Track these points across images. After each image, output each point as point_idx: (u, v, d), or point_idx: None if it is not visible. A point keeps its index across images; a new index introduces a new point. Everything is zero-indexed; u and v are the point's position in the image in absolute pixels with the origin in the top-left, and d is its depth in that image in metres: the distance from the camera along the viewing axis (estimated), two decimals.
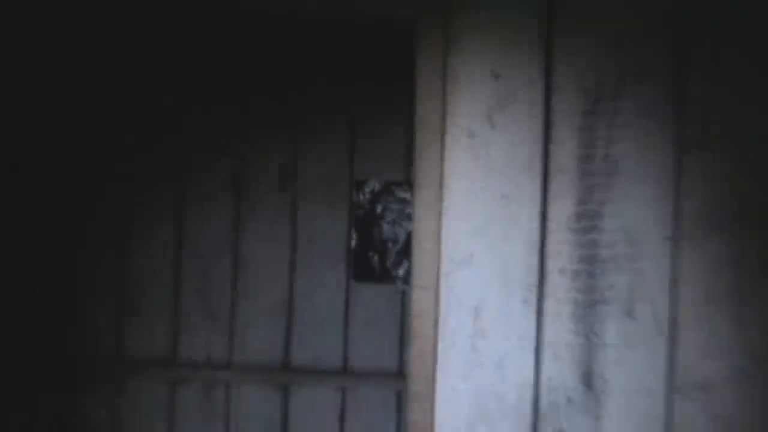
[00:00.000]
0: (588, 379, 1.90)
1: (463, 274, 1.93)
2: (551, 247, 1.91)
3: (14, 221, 3.60)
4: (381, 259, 3.83)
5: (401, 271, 3.82)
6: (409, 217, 3.75)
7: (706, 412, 1.86)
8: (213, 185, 3.81)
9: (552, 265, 1.91)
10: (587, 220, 1.89)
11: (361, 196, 3.79)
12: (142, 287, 3.81)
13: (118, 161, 3.79)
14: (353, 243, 3.83)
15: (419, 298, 1.96)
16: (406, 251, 3.78)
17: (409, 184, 3.67)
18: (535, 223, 1.91)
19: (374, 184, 3.78)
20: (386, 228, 3.81)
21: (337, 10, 1.83)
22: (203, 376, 3.80)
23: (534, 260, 1.92)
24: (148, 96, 3.79)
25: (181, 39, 3.30)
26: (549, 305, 1.91)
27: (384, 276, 3.83)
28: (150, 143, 3.80)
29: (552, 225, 1.92)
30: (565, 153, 1.90)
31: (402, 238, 3.80)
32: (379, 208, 3.79)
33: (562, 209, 1.91)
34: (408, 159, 3.68)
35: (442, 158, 1.95)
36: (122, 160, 3.79)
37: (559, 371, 1.91)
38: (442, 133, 1.93)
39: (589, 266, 1.90)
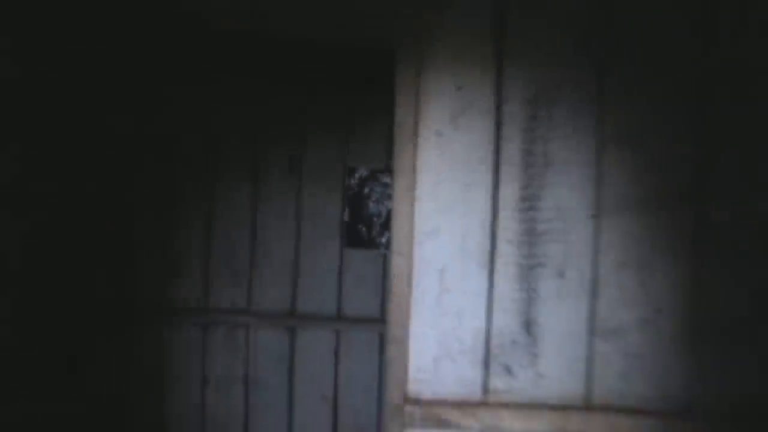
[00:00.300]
0: (528, 325, 2.12)
1: (432, 243, 2.13)
2: (500, 223, 2.11)
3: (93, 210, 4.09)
4: (368, 230, 4.11)
5: (383, 240, 4.10)
6: (389, 198, 4.00)
7: (618, 350, 2.10)
8: (236, 173, 4.19)
9: (501, 236, 2.11)
10: (528, 201, 2.10)
11: (352, 181, 4.08)
12: (182, 252, 4.21)
13: (162, 155, 4.21)
14: (346, 217, 4.12)
15: (397, 262, 2.16)
16: (387, 224, 4.05)
17: (389, 171, 3.96)
18: (488, 204, 2.11)
19: (362, 171, 4.07)
20: (372, 206, 4.09)
21: (334, 37, 2.13)
22: (228, 320, 4.20)
23: (487, 233, 2.11)
24: (178, 98, 4.21)
25: (209, 52, 3.64)
26: (498, 268, 2.12)
27: (370, 243, 4.13)
28: (184, 138, 4.20)
29: (501, 205, 2.11)
30: (512, 149, 2.10)
31: (384, 213, 4.08)
32: (366, 190, 4.07)
33: (509, 193, 2.10)
34: (389, 152, 3.98)
35: (415, 153, 2.13)
36: (165, 153, 4.21)
37: (506, 319, 2.12)
38: (416, 133, 2.13)
39: (530, 237, 2.11)
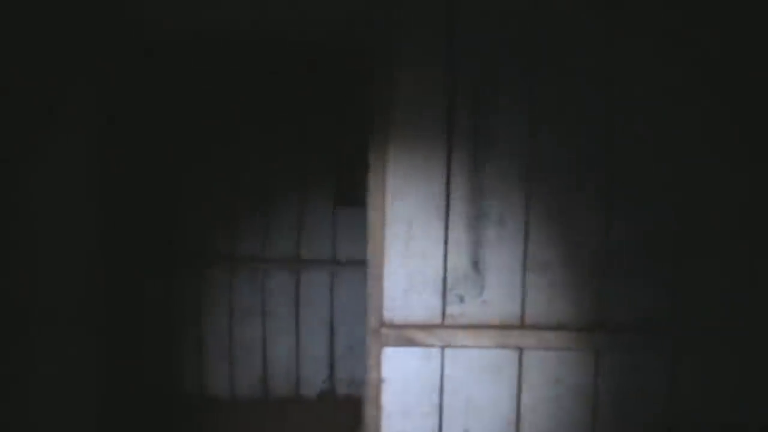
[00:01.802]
0: (476, 264, 2.41)
1: (401, 203, 2.38)
2: (453, 185, 2.39)
3: None
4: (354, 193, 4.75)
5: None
6: None
7: (544, 279, 2.43)
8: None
9: (453, 194, 2.39)
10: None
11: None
12: (216, 217, 4.85)
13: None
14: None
15: (374, 216, 2.41)
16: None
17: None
18: (444, 170, 2.39)
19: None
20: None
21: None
22: (249, 265, 4.84)
23: (443, 192, 2.38)
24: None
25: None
26: (453, 219, 2.39)
27: (356, 202, 4.69)
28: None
29: (454, 173, 2.38)
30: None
31: None
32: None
33: (460, 159, 2.38)
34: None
35: (386, 138, 2.39)
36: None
37: (459, 259, 2.40)
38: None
39: (477, 194, 2.39)
